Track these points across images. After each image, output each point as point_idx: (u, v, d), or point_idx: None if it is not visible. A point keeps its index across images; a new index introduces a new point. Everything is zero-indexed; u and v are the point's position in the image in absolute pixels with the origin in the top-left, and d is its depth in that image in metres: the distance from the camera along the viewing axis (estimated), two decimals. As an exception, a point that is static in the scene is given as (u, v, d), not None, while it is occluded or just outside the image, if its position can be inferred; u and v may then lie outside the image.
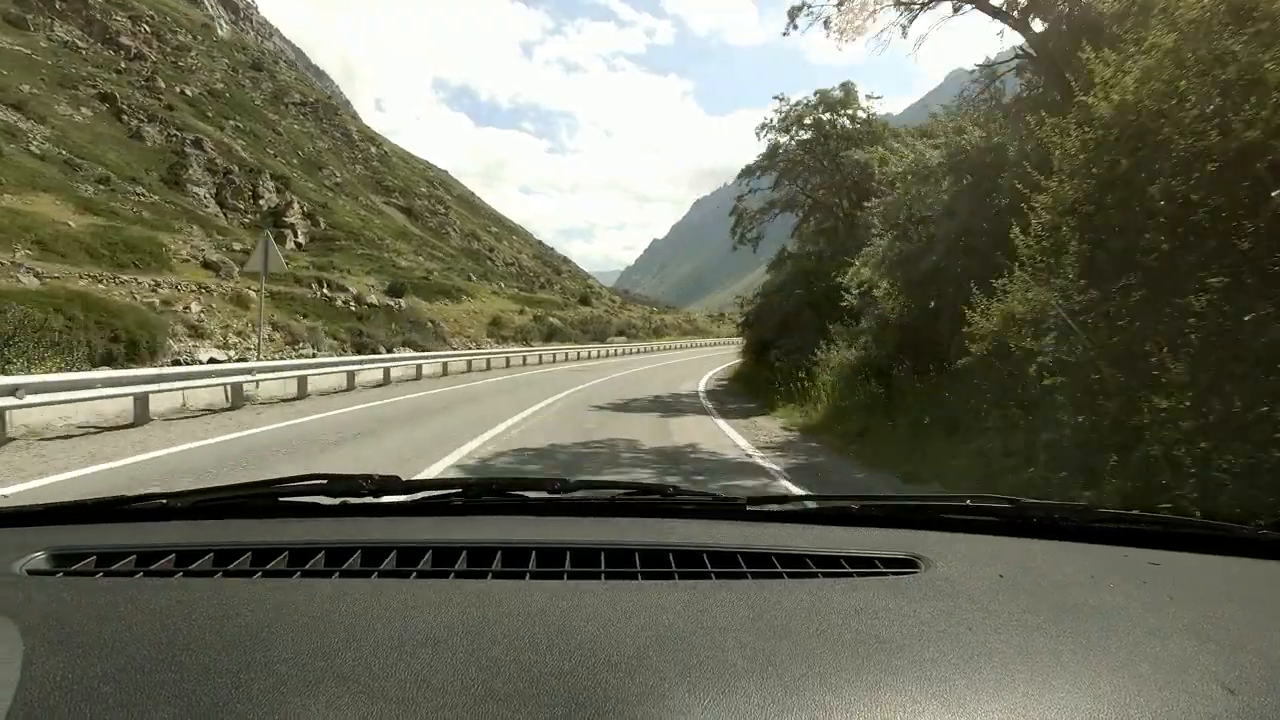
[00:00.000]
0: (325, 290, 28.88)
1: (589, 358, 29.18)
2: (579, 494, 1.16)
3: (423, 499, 1.13)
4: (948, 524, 1.03)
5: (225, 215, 38.12)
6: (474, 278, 48.25)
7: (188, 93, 52.84)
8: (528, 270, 73.46)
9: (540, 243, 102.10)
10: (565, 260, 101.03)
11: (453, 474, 5.82)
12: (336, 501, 1.11)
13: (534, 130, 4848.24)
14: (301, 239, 40.29)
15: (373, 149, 75.92)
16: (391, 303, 32.08)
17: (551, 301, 49.94)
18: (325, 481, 1.15)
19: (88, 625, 0.64)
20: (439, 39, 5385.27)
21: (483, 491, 1.17)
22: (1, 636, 0.60)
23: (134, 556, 0.85)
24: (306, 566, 0.82)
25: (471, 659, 0.57)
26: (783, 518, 1.08)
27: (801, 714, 0.50)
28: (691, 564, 0.84)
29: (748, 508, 1.08)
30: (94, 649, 0.59)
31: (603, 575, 0.80)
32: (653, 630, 0.63)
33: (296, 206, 41.98)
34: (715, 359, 29.28)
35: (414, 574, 0.79)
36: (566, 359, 27.20)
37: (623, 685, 0.53)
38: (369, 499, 1.10)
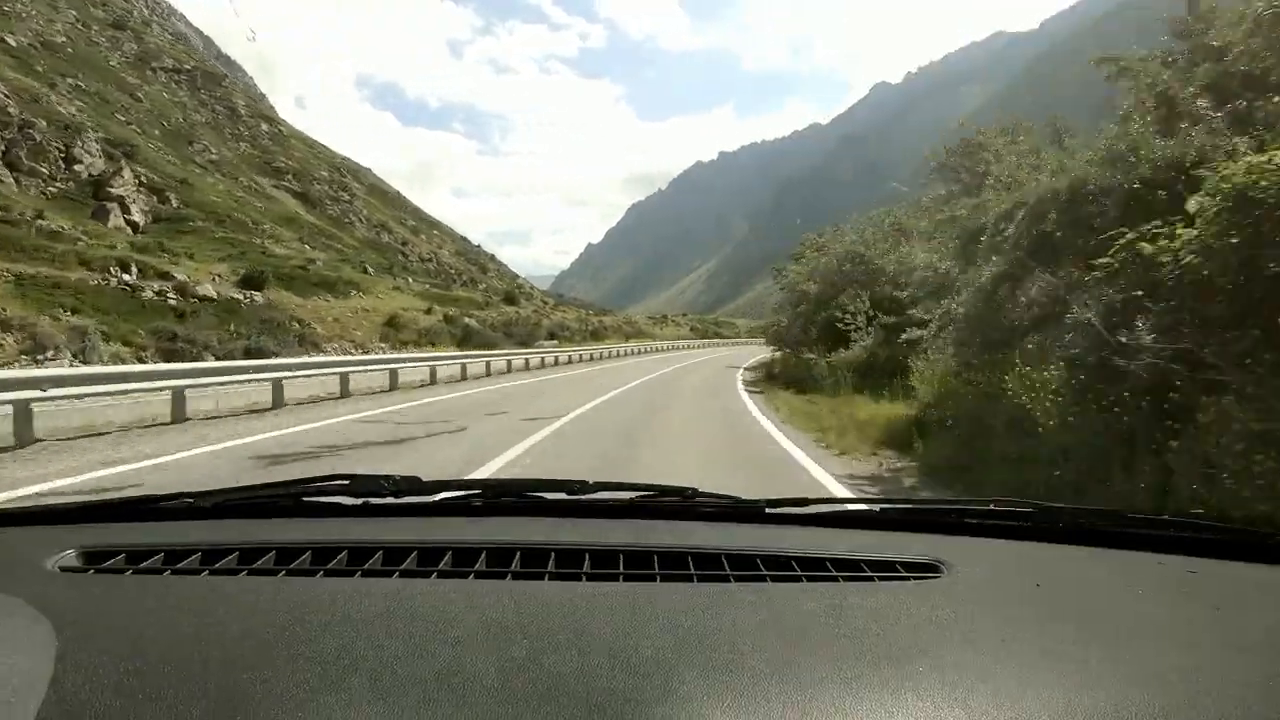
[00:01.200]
0: (129, 277, 20.57)
1: (518, 369, 20.77)
2: (598, 495, 1.13)
3: (443, 500, 1.13)
4: (971, 528, 1.01)
5: (18, 180, 28.76)
6: (372, 271, 40.08)
7: (10, 41, 42.51)
8: (447, 267, 65.35)
9: (464, 239, 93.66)
10: (492, 258, 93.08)
11: None
12: (359, 502, 1.11)
13: (464, 131, 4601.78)
14: (138, 215, 31.33)
15: (263, 126, 66.02)
16: (240, 295, 23.98)
17: (469, 300, 42.37)
18: (348, 482, 1.15)
19: (117, 621, 0.66)
20: (362, 34, 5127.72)
21: (502, 493, 1.16)
22: (34, 632, 0.61)
23: (162, 555, 0.86)
24: (329, 566, 0.82)
25: (491, 659, 0.57)
26: (802, 521, 1.06)
27: (820, 717, 0.50)
28: (710, 566, 0.83)
29: (767, 510, 1.07)
30: (123, 645, 0.60)
31: (621, 577, 0.79)
32: (671, 632, 0.63)
33: (130, 176, 32.77)
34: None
35: (434, 574, 0.79)
36: (492, 373, 18.17)
37: (640, 687, 0.53)
38: (390, 499, 1.11)
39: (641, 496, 1.13)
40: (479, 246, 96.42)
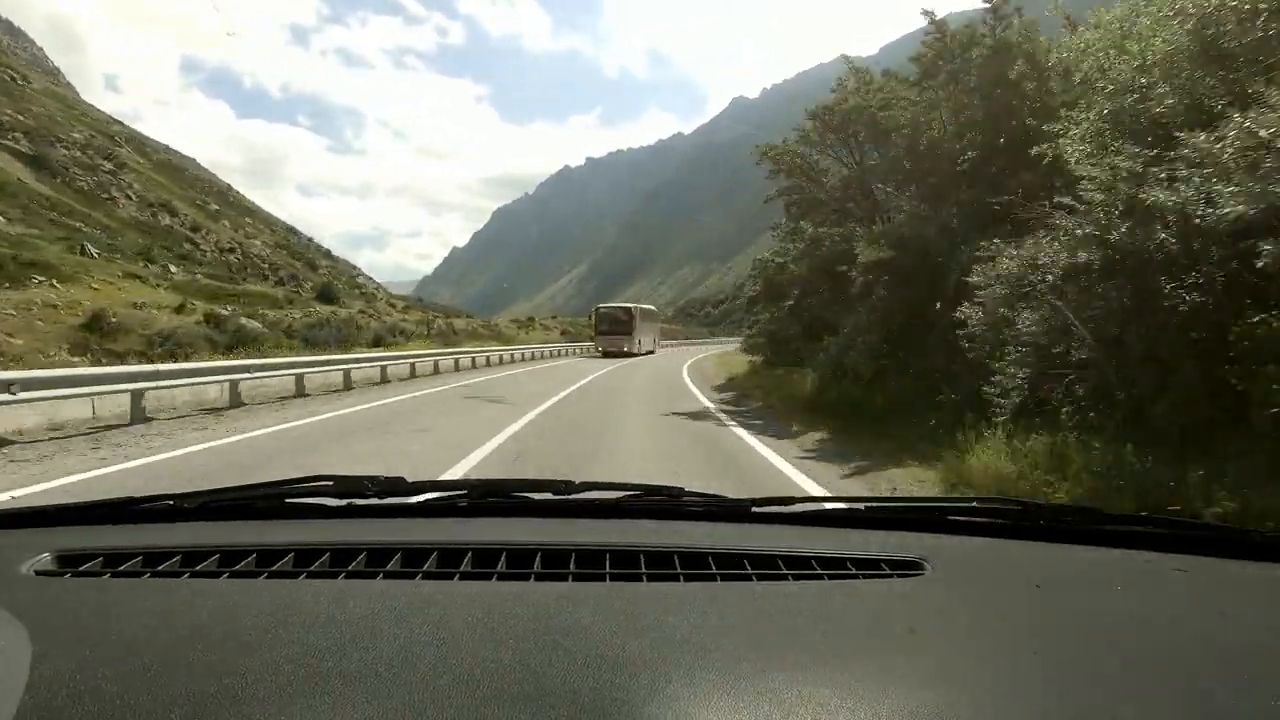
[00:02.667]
0: None
1: (255, 397, 11.50)
2: (584, 495, 1.12)
3: (428, 500, 1.11)
4: (955, 526, 1.01)
5: None
6: (98, 253, 28.53)
7: None
8: (257, 260, 53.04)
9: (293, 231, 79.68)
10: (327, 254, 79.89)
11: None
12: (342, 503, 1.09)
13: (312, 126, 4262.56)
14: None
15: (-18, 70, 49.90)
16: None
17: (262, 296, 31.88)
18: (331, 483, 1.14)
19: (95, 626, 0.64)
20: (185, 11, 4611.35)
21: (488, 493, 1.14)
22: (9, 637, 0.60)
23: (141, 557, 0.84)
24: (312, 567, 0.81)
25: (477, 660, 0.56)
26: (788, 520, 1.06)
27: (806, 715, 0.50)
28: (697, 566, 0.83)
29: (753, 509, 1.07)
30: (101, 649, 0.59)
31: (608, 577, 0.79)
32: (658, 632, 0.63)
33: None
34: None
35: (419, 575, 0.79)
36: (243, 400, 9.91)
37: (627, 686, 0.53)
38: (374, 500, 1.10)
39: (628, 496, 1.11)
40: (311, 240, 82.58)
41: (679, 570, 0.81)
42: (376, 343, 30.65)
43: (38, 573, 0.81)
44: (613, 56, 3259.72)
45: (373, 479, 1.13)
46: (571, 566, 0.81)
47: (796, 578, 0.79)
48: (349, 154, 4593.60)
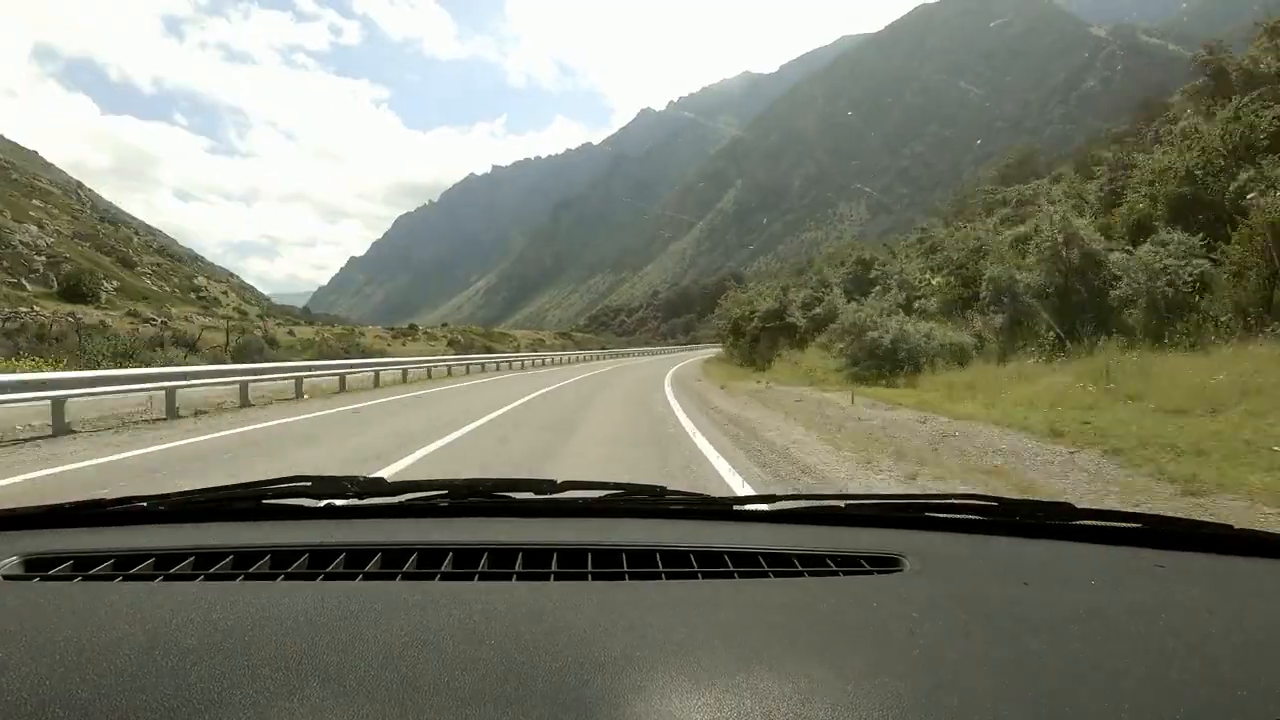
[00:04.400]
0: None
1: None
2: (566, 495, 1.13)
3: (408, 501, 1.11)
4: (934, 523, 1.02)
5: None
6: None
7: None
8: (25, 248, 39.91)
9: (104, 220, 64.96)
10: (161, 251, 65.78)
11: None
12: (321, 504, 1.09)
13: (190, 125, 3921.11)
14: None
15: None
16: None
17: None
18: (310, 484, 1.14)
19: (65, 631, 0.62)
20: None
21: (469, 493, 1.13)
22: None
23: (112, 560, 0.83)
24: (290, 569, 0.81)
25: (458, 660, 0.56)
26: (770, 518, 1.07)
27: (788, 711, 0.49)
28: (679, 564, 0.84)
29: (735, 508, 1.09)
30: (71, 655, 0.57)
31: (590, 576, 0.80)
32: (640, 630, 0.63)
33: None
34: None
35: (399, 576, 0.79)
36: None
37: (610, 685, 0.53)
38: (354, 501, 1.10)
39: (610, 495, 1.12)
40: (135, 235, 67.95)
41: (661, 569, 0.82)
42: (129, 355, 20.18)
43: (5, 577, 0.79)
44: (518, 64, 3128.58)
45: (352, 479, 1.12)
46: (553, 566, 0.82)
47: (777, 575, 0.80)
48: (233, 156, 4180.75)
